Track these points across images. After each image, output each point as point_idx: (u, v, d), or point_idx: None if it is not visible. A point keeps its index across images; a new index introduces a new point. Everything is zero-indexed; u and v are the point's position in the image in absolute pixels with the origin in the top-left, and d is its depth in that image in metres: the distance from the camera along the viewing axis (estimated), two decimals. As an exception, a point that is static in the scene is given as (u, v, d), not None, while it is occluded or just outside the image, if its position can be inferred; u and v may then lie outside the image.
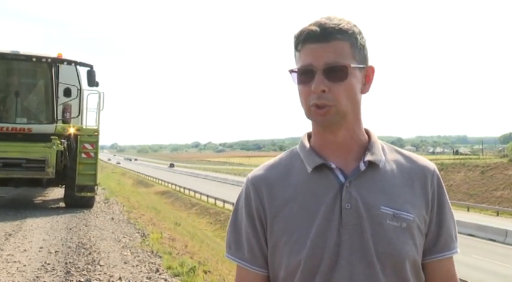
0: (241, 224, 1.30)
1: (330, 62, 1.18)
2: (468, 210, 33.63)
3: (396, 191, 1.23)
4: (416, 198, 1.24)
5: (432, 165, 1.29)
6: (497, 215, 31.91)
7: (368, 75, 1.25)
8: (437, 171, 1.29)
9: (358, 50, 1.21)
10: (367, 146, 1.27)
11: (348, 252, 1.18)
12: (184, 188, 45.97)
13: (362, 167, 1.24)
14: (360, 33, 1.24)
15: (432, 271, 1.26)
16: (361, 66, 1.23)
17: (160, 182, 56.60)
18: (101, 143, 14.28)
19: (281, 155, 1.36)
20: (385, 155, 1.28)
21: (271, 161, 1.36)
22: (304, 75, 1.21)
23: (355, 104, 1.23)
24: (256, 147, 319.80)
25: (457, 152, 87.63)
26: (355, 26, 1.23)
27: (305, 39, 1.20)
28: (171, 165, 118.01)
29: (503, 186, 38.12)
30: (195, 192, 42.04)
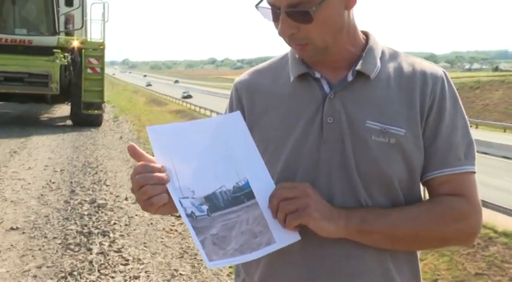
0: None
1: (293, 3, 1.05)
2: (505, 131, 33.28)
3: (388, 104, 1.13)
4: (414, 110, 1.13)
5: (439, 71, 1.18)
6: (537, 136, 31.58)
7: None
8: (446, 78, 1.17)
9: None
10: (361, 53, 1.17)
11: (326, 172, 1.13)
12: (200, 107, 46.23)
13: (349, 77, 1.15)
14: None
15: (432, 189, 1.17)
16: None
17: (175, 100, 56.94)
18: (111, 58, 14.34)
19: (273, 59, 1.30)
20: (383, 62, 1.17)
21: (260, 65, 1.31)
22: (272, 12, 1.11)
23: (337, 32, 1.12)
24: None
25: (496, 68, 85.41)
26: None
27: None
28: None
29: (544, 106, 37.35)
30: (211, 111, 42.28)
